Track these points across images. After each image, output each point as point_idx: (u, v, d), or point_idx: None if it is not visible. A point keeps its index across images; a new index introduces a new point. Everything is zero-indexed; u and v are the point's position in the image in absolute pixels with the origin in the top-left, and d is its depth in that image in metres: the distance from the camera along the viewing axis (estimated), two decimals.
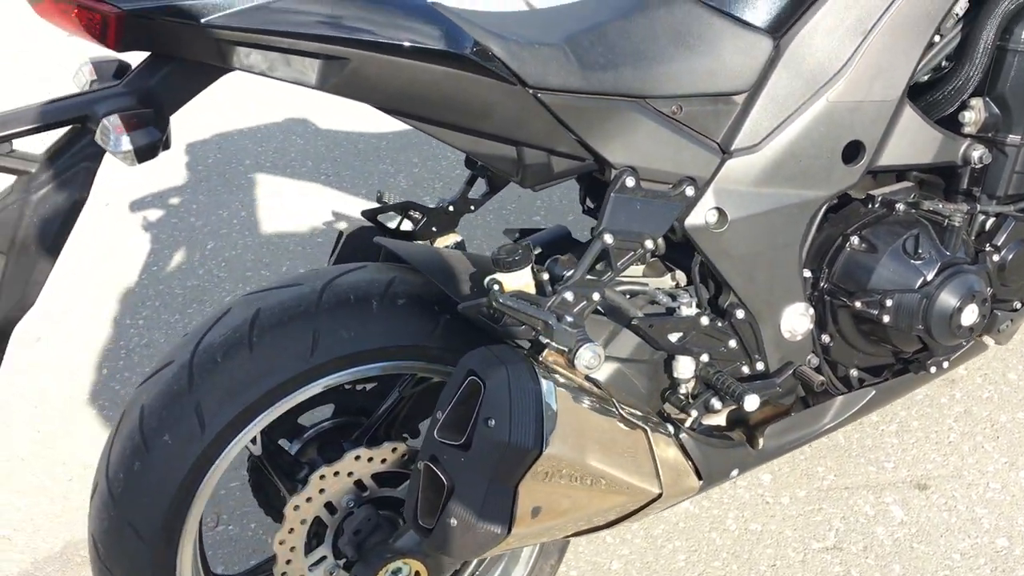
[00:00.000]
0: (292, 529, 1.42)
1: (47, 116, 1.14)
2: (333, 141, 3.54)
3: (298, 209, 3.16)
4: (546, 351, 1.31)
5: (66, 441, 2.31)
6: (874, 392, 1.63)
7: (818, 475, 2.03)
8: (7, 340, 1.24)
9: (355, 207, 3.12)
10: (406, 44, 1.17)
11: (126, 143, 1.05)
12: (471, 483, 1.23)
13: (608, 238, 1.35)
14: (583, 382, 1.33)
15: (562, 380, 1.28)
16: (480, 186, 1.74)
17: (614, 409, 1.34)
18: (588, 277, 1.35)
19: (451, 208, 1.71)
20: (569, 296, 1.32)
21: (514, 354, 1.26)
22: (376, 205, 1.69)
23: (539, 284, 1.35)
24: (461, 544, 1.26)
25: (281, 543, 1.42)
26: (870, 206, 1.56)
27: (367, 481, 1.45)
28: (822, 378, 1.51)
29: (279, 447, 1.49)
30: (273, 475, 1.48)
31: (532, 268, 1.33)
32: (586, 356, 1.28)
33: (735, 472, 1.54)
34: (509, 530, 1.25)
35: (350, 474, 1.44)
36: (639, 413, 1.38)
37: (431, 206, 1.72)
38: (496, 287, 1.30)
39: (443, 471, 1.25)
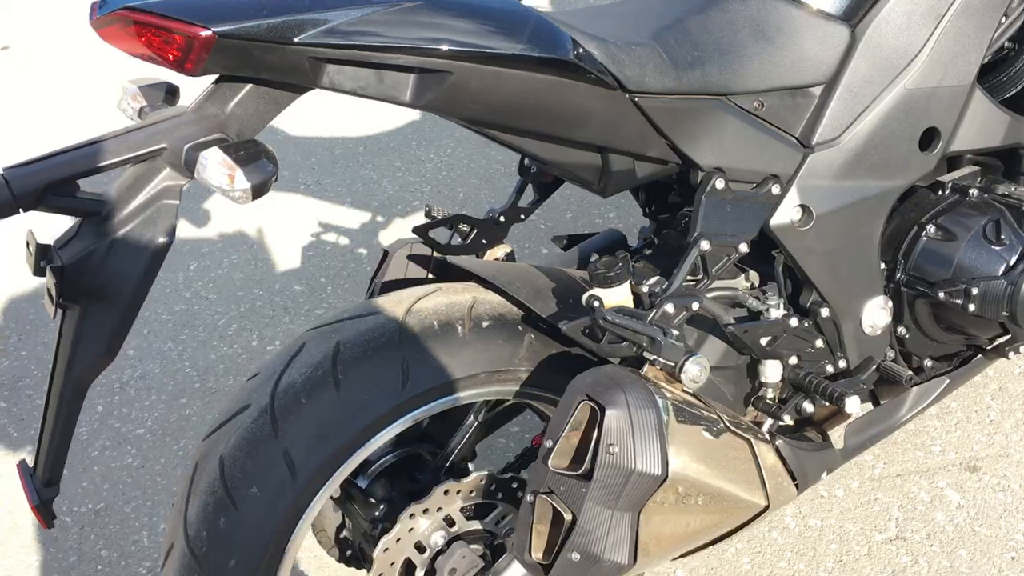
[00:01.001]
0: (383, 573, 1.34)
1: (117, 152, 1.04)
2: (307, 148, 3.41)
3: (282, 221, 3.04)
4: (647, 366, 1.25)
5: (71, 487, 2.17)
6: (948, 380, 1.60)
7: (867, 464, 2.01)
8: (83, 396, 1.13)
9: (342, 217, 3.01)
10: (510, 52, 1.08)
11: (241, 180, 0.94)
12: (594, 514, 1.16)
13: (704, 244, 1.29)
14: (688, 397, 1.27)
15: (670, 396, 1.22)
16: (528, 194, 1.66)
17: (720, 422, 1.28)
18: (684, 285, 1.29)
19: (501, 218, 1.63)
20: (670, 308, 1.26)
21: (627, 374, 1.19)
22: (426, 220, 1.60)
23: (637, 297, 1.29)
24: None
25: None
26: (941, 193, 1.53)
27: (455, 515, 1.37)
28: (910, 372, 1.48)
29: (356, 487, 1.40)
30: (356, 517, 1.39)
31: (630, 282, 1.26)
32: (693, 370, 1.23)
33: (825, 474, 1.50)
34: (635, 559, 1.18)
35: (439, 509, 1.36)
36: (742, 423, 1.32)
37: (480, 218, 1.63)
38: (597, 303, 1.23)
39: (561, 503, 1.17)
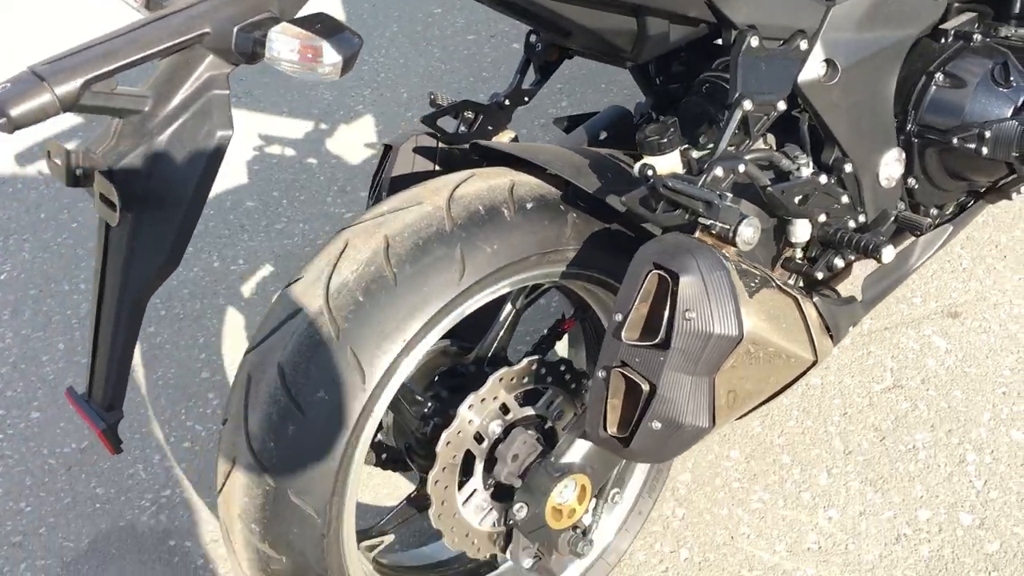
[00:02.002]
0: (445, 467, 1.31)
1: (157, 40, 0.94)
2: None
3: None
4: (698, 232, 1.24)
5: (46, 430, 2.06)
6: (951, 227, 1.65)
7: None
8: (143, 311, 1.05)
9: (283, 127, 2.88)
10: None
11: (331, 54, 0.87)
12: (673, 381, 1.16)
13: (747, 103, 1.27)
14: (740, 259, 1.27)
15: (731, 259, 1.22)
16: (530, 76, 1.61)
17: (771, 281, 1.29)
18: (730, 148, 1.28)
19: (506, 102, 1.58)
20: (719, 171, 1.25)
21: (692, 241, 1.18)
22: (432, 109, 1.53)
23: (688, 163, 1.26)
24: (666, 446, 1.19)
25: (436, 483, 1.31)
26: (945, 41, 1.54)
27: (509, 403, 1.35)
28: (928, 220, 1.52)
29: (404, 386, 1.36)
30: (406, 415, 1.36)
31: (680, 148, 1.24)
32: (747, 232, 1.22)
33: (851, 327, 1.53)
34: (713, 422, 1.19)
35: (495, 398, 1.33)
36: (788, 281, 1.33)
37: (485, 103, 1.58)
38: (651, 172, 1.21)
39: (638, 375, 1.17)
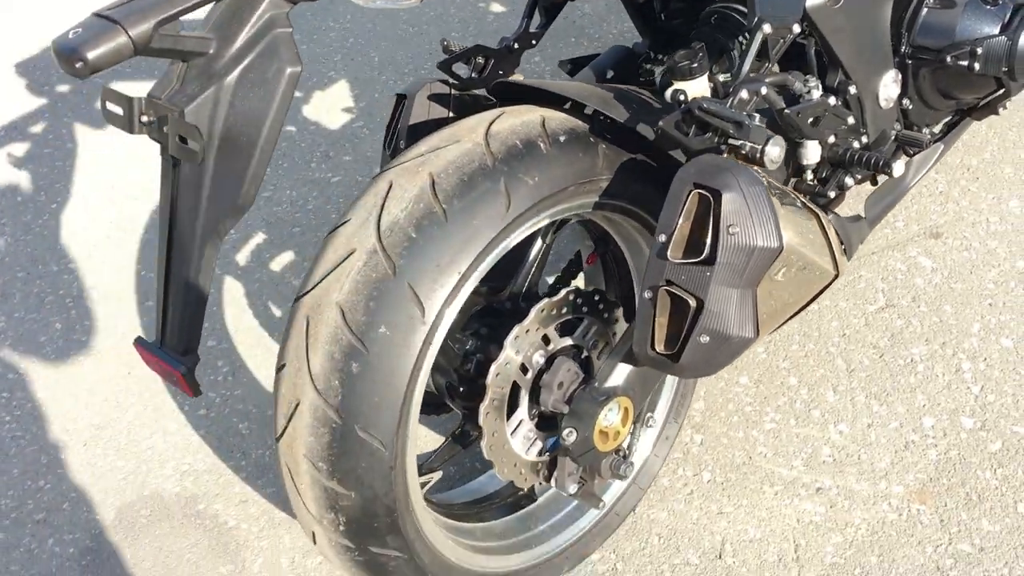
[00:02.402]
0: (495, 399, 1.36)
1: None
2: None
3: None
4: (727, 153, 1.29)
5: (61, 406, 2.05)
6: (943, 146, 1.73)
7: None
8: (218, 251, 1.07)
9: None
10: None
11: None
12: (720, 295, 1.21)
13: (767, 27, 1.32)
14: (768, 177, 1.32)
15: (763, 176, 1.27)
16: (536, 19, 1.64)
17: (796, 197, 1.35)
18: (751, 72, 1.33)
19: (515, 45, 1.61)
20: (744, 94, 1.29)
21: (727, 160, 1.23)
22: (445, 56, 1.56)
23: (714, 87, 1.31)
24: (714, 359, 1.25)
25: (487, 415, 1.35)
26: None
27: (550, 334, 1.40)
28: (928, 136, 1.59)
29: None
30: (449, 352, 1.40)
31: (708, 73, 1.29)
32: (774, 151, 1.27)
33: (859, 244, 1.60)
34: (757, 332, 1.25)
35: (537, 330, 1.38)
36: (809, 199, 1.39)
37: (495, 47, 1.60)
38: (683, 96, 1.25)
39: (685, 292, 1.22)
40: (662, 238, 1.22)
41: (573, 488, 1.47)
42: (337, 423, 1.19)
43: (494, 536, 1.53)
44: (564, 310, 1.40)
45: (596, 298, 1.45)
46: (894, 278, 2.08)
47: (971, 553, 1.58)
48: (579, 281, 1.73)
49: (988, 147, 2.36)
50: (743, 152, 1.27)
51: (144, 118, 1.00)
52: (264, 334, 2.16)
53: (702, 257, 1.20)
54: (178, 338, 1.11)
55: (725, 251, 1.19)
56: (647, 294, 1.24)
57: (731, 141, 1.26)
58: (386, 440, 1.21)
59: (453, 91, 1.55)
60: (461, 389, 1.42)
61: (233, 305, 2.24)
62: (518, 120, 1.31)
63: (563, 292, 1.39)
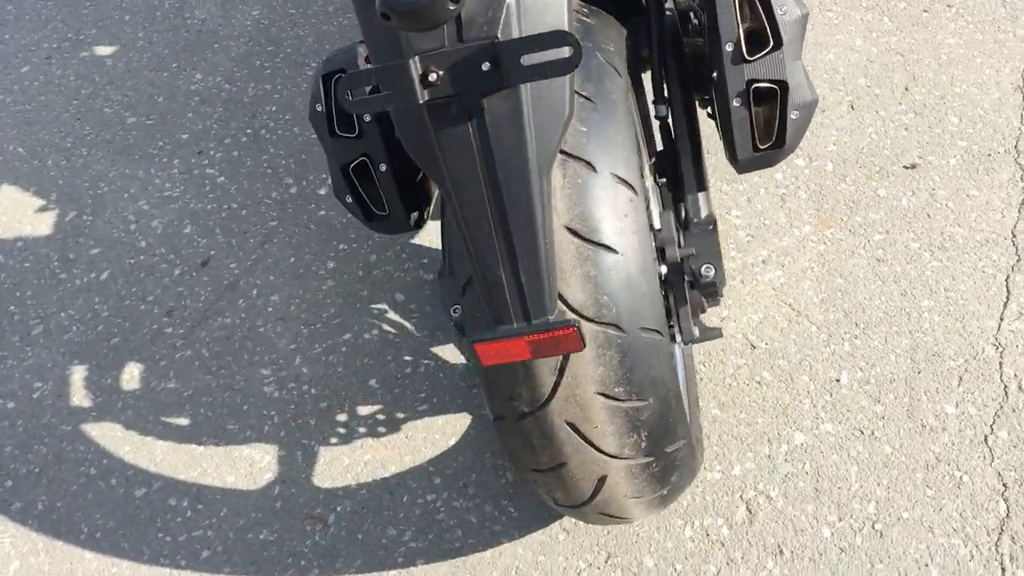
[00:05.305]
0: None
1: None
2: None
3: None
4: None
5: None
6: None
7: None
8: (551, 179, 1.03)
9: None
10: None
11: None
12: (794, 71, 1.38)
13: None
14: None
15: None
16: None
17: None
18: None
19: None
20: None
21: None
22: None
23: None
24: (799, 132, 1.40)
25: None
26: None
27: None
28: None
29: None
30: None
31: None
32: None
33: None
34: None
35: None
36: None
37: None
38: None
39: (767, 82, 1.37)
40: (729, 47, 1.37)
41: (698, 333, 1.54)
42: (621, 336, 1.16)
43: None
44: None
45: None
46: None
47: None
48: None
49: None
50: None
51: (432, 76, 0.91)
52: None
53: (771, 46, 1.37)
54: (539, 297, 1.00)
55: (786, 29, 1.36)
56: (736, 102, 1.38)
57: None
58: (661, 326, 1.21)
59: None
60: None
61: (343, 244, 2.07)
62: None
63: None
